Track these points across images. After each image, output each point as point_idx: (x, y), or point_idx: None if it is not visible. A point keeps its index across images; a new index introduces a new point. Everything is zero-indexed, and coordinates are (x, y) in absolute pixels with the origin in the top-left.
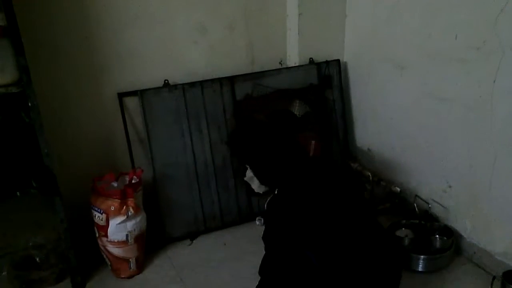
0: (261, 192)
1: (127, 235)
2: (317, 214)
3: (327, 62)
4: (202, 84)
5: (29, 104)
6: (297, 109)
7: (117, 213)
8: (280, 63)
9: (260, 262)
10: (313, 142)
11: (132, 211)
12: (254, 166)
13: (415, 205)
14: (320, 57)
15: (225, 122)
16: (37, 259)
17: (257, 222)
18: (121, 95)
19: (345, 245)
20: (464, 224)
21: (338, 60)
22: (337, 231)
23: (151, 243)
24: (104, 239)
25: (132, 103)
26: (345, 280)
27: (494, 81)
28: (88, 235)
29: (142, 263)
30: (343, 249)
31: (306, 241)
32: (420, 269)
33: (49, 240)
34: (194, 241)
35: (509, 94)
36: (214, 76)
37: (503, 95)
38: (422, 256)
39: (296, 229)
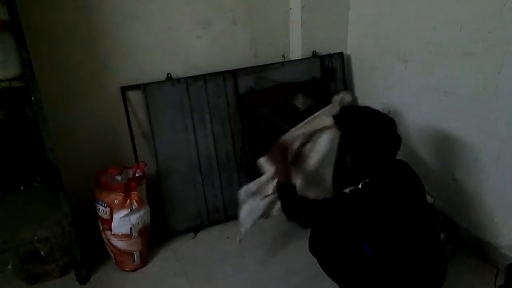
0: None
1: (131, 229)
2: (393, 212)
3: (330, 55)
4: (205, 77)
5: (32, 99)
6: (301, 102)
7: (121, 206)
8: (283, 56)
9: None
10: None
11: (136, 205)
12: (362, 151)
13: None
14: (323, 50)
15: (229, 115)
16: (42, 253)
17: None
18: (124, 89)
19: (408, 247)
20: (469, 217)
21: (342, 53)
22: (406, 233)
23: (155, 237)
24: (108, 232)
25: (135, 96)
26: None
27: (499, 73)
28: (92, 229)
29: (146, 256)
30: (404, 249)
31: (369, 233)
32: None
33: (53, 233)
34: (197, 234)
35: None
36: (217, 70)
37: (508, 87)
38: None
39: (367, 221)
